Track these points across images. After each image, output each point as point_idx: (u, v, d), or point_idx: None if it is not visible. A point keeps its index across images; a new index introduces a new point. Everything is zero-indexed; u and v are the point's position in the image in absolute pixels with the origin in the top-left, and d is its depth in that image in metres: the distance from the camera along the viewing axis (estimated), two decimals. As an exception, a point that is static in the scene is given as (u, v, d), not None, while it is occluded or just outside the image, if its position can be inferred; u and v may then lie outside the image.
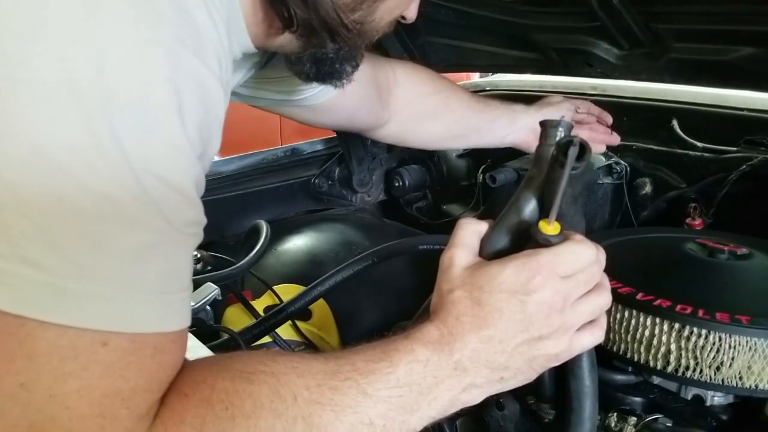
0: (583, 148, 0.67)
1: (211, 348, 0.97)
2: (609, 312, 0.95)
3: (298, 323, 1.33)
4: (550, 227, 0.68)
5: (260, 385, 0.60)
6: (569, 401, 0.78)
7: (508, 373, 0.69)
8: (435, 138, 1.40)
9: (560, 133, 0.72)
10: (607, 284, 0.74)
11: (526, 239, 0.71)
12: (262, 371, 0.61)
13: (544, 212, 0.71)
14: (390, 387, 0.64)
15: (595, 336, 0.73)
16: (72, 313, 0.50)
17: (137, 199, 0.51)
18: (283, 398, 0.60)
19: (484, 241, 0.73)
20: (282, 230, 1.62)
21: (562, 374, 0.81)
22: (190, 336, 1.01)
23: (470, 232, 0.74)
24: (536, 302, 0.67)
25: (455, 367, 0.66)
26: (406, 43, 1.77)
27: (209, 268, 1.30)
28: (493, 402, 0.95)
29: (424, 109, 1.34)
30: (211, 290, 1.11)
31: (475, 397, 0.69)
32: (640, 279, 0.97)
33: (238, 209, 1.74)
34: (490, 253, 0.73)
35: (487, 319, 0.67)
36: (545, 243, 0.68)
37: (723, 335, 0.87)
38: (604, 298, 0.73)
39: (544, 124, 0.73)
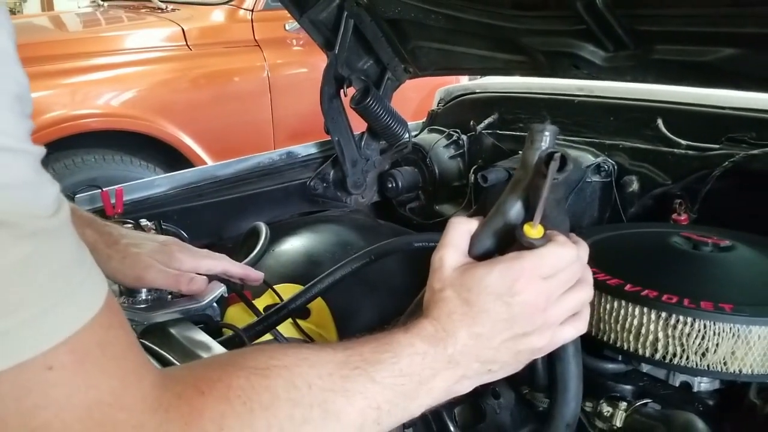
0: (564, 161, 0.72)
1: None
2: (599, 303, 1.00)
3: (298, 321, 1.36)
4: (533, 231, 0.73)
5: (275, 379, 0.63)
6: (556, 383, 0.83)
7: (495, 366, 0.75)
8: None
9: (546, 138, 0.76)
10: (589, 279, 0.79)
11: (511, 240, 0.75)
12: (275, 365, 0.64)
13: (528, 214, 0.76)
14: (395, 376, 0.68)
15: (577, 328, 0.78)
16: None
17: None
18: (299, 388, 0.63)
19: (473, 241, 0.78)
20: (279, 232, 1.65)
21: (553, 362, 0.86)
22: (200, 332, 1.05)
23: (460, 231, 0.78)
24: (520, 303, 0.72)
25: (449, 361, 0.71)
26: (397, 48, 1.81)
27: (212, 268, 1.32)
28: (490, 391, 0.99)
29: None
30: (218, 288, 1.15)
31: (466, 388, 0.75)
32: (628, 271, 1.02)
33: (236, 212, 1.77)
34: (478, 253, 0.77)
35: (476, 318, 0.72)
36: (529, 246, 0.73)
37: (707, 323, 0.91)
38: (586, 293, 0.78)
39: (531, 128, 0.78)
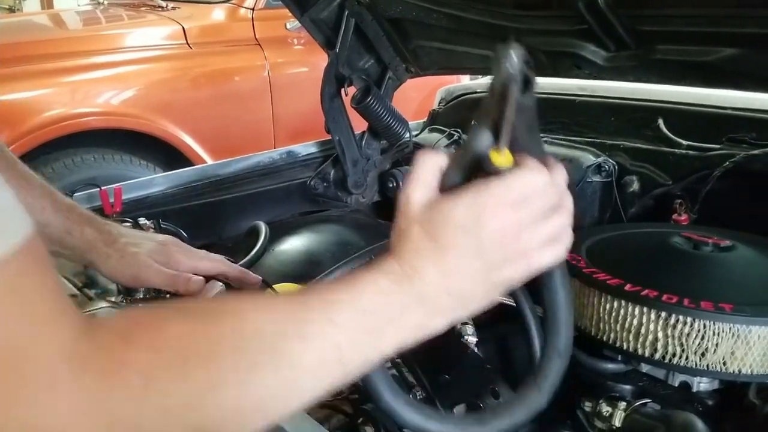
0: (528, 80, 0.68)
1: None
2: (599, 303, 1.00)
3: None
4: (501, 157, 0.69)
5: (218, 326, 0.59)
6: (545, 312, 0.80)
7: (468, 299, 0.71)
8: None
9: (511, 58, 0.70)
10: (567, 204, 0.74)
11: (481, 172, 0.71)
12: (221, 311, 0.61)
13: (497, 143, 0.71)
14: (356, 315, 0.65)
15: (555, 254, 0.73)
16: None
17: None
18: (244, 333, 0.60)
19: (443, 176, 0.73)
20: (279, 231, 1.65)
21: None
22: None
23: (428, 167, 0.73)
24: (489, 235, 0.68)
25: (418, 297, 0.68)
26: (398, 47, 1.81)
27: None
28: (490, 390, 0.99)
29: None
30: (216, 287, 1.15)
31: (440, 324, 0.71)
32: (628, 271, 1.02)
33: (236, 211, 1.77)
34: (448, 188, 0.72)
35: (444, 253, 0.68)
36: (495, 173, 0.69)
37: (707, 322, 0.91)
38: (563, 219, 0.73)
39: (495, 50, 0.72)
